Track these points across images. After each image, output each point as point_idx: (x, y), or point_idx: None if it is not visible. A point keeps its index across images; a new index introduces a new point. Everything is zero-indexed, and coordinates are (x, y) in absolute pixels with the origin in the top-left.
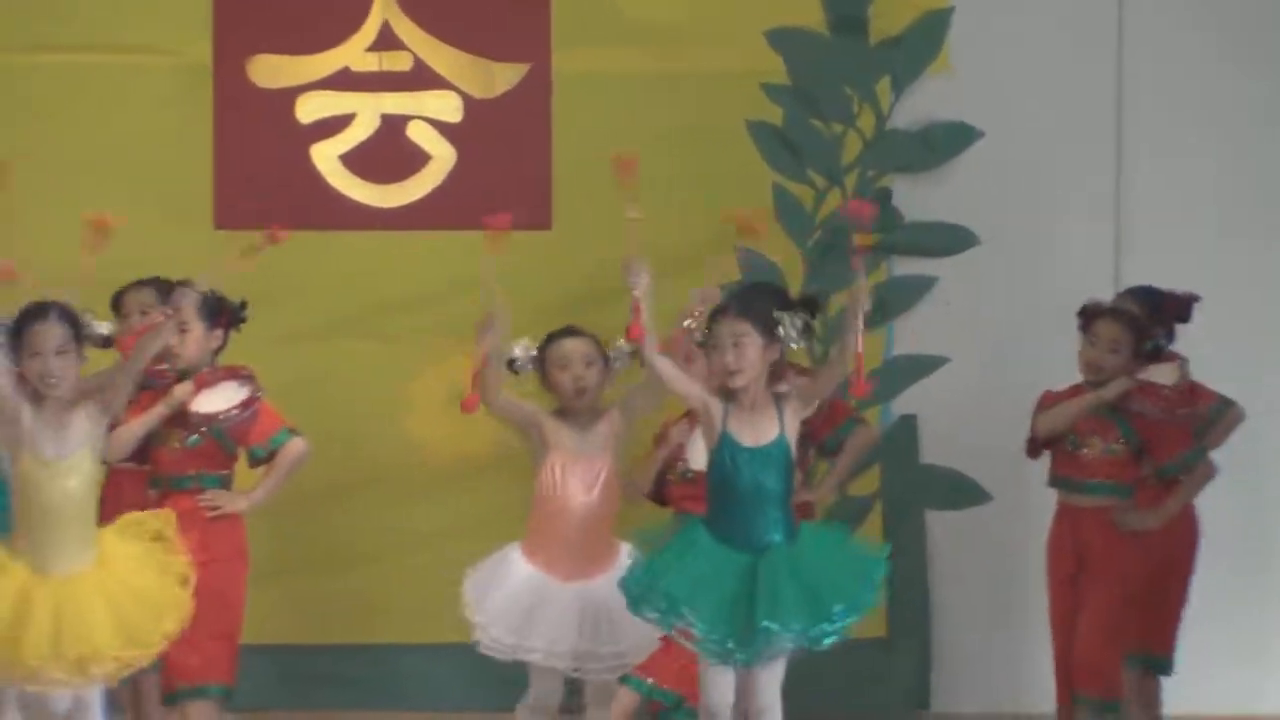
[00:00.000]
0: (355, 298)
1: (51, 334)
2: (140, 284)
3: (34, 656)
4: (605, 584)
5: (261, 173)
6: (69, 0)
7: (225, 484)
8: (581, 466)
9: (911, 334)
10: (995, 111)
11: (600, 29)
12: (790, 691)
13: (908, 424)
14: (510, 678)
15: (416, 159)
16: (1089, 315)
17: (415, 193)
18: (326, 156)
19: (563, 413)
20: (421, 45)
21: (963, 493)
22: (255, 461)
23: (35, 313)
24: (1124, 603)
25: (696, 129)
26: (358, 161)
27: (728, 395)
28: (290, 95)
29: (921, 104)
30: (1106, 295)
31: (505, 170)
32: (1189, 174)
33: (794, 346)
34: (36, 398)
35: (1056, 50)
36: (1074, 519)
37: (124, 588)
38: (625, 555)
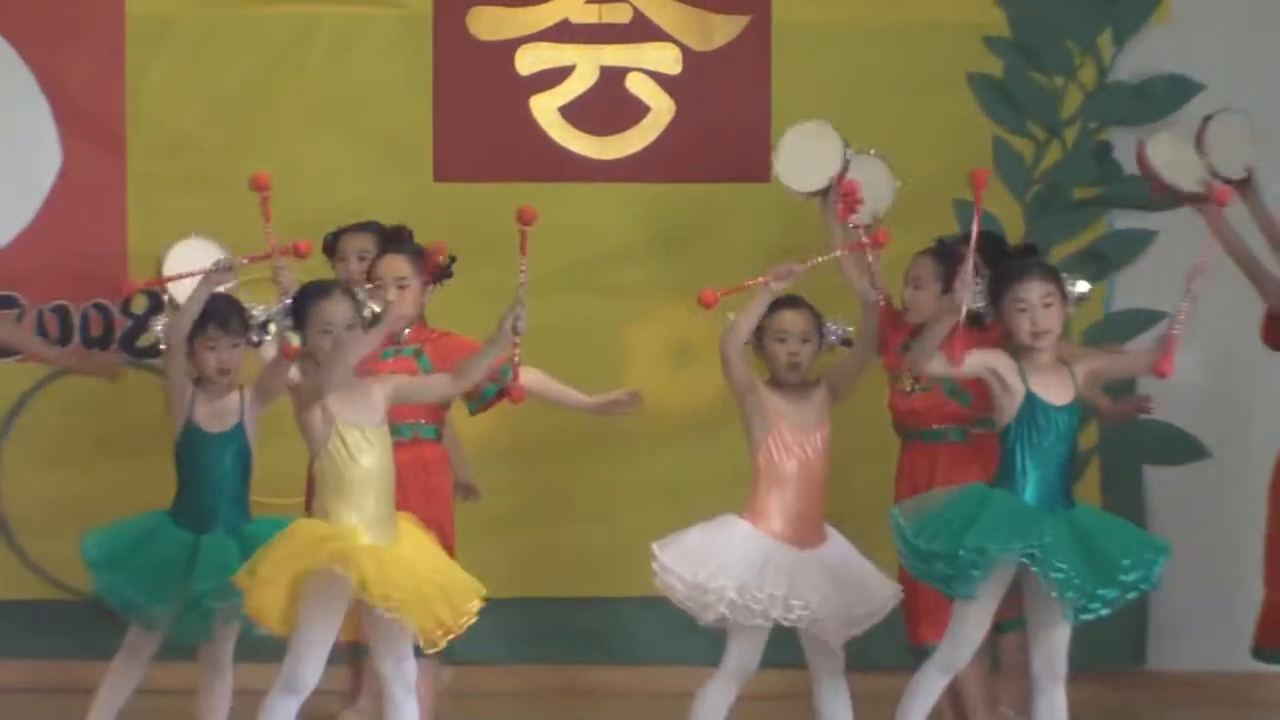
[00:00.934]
0: (573, 251)
1: (340, 309)
2: (359, 228)
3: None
4: (835, 549)
5: (480, 125)
6: None
7: (439, 433)
8: (800, 436)
9: (1132, 287)
10: (1217, 64)
11: None
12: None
13: (1125, 380)
14: (719, 632)
15: (636, 111)
16: None
17: (634, 145)
18: (545, 109)
19: (776, 383)
20: None
21: (1181, 449)
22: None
23: (320, 290)
24: None
25: (916, 80)
26: (576, 113)
27: (1015, 354)
28: (510, 47)
29: (1143, 56)
30: None
31: (724, 122)
32: None
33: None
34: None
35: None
36: None
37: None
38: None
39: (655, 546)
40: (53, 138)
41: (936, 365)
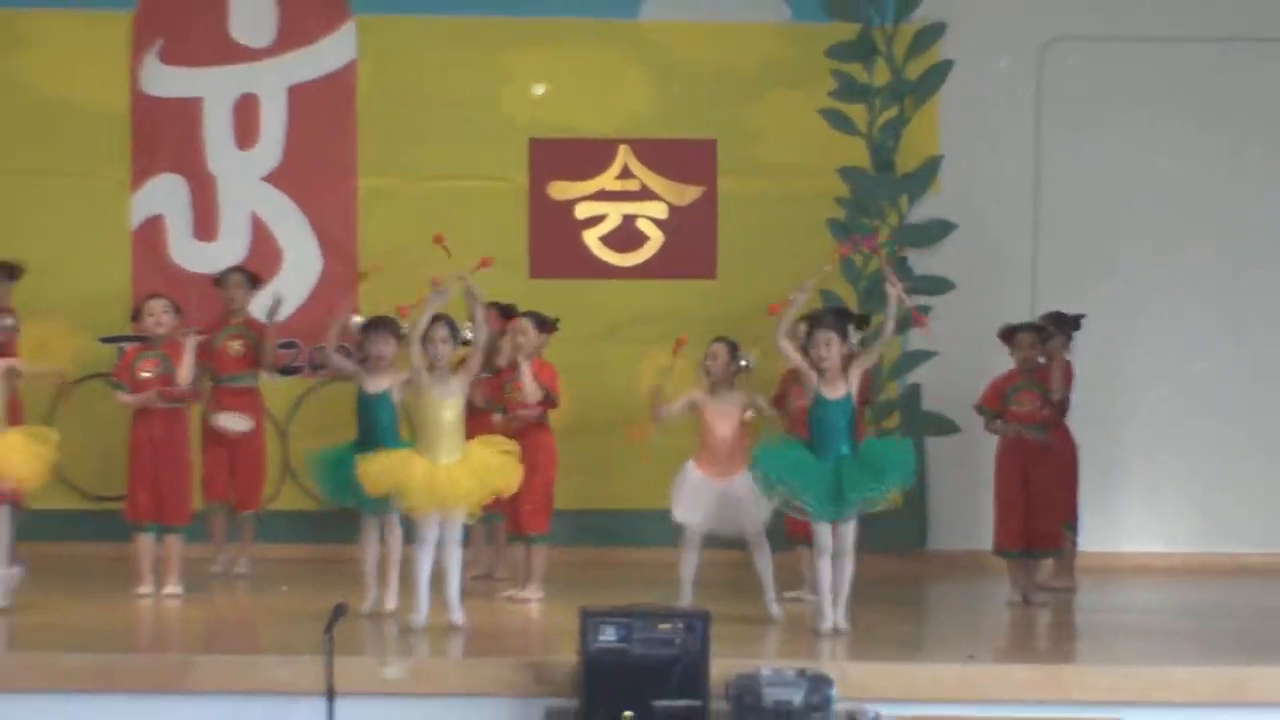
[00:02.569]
0: (607, 317)
1: (440, 332)
2: (492, 304)
3: (434, 501)
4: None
5: (555, 246)
6: (434, 138)
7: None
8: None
9: (916, 337)
10: (969, 214)
11: (739, 165)
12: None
13: (914, 390)
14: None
15: (641, 239)
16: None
17: (641, 258)
18: (592, 238)
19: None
20: (643, 174)
21: (945, 424)
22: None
23: (436, 320)
24: None
25: (795, 224)
26: (609, 241)
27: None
28: (571, 203)
29: (924, 209)
30: None
31: (689, 247)
32: None
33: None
34: (430, 365)
35: None
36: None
37: (477, 465)
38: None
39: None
40: (316, 255)
41: (782, 345)
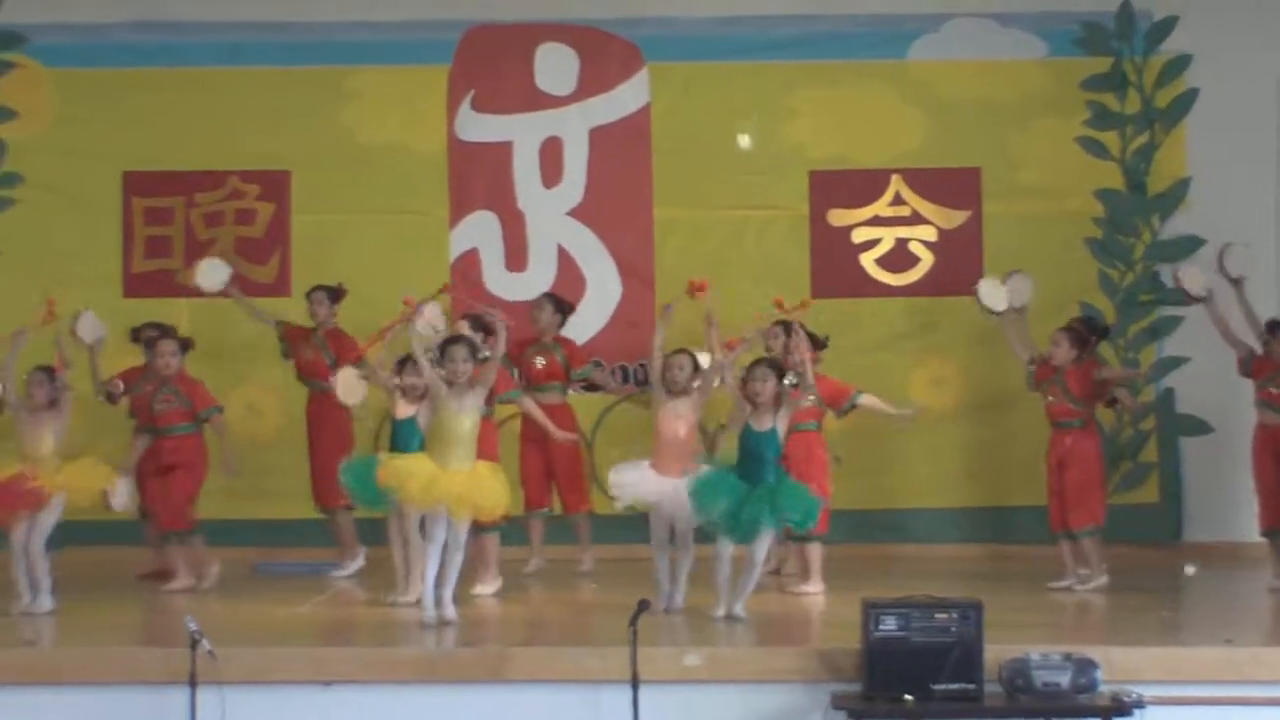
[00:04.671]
0: (883, 329)
1: (460, 353)
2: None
3: (436, 500)
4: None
5: (833, 268)
6: (722, 172)
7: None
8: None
9: (1173, 345)
10: (1218, 230)
11: (1002, 190)
12: None
13: (1168, 394)
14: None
15: (913, 260)
16: None
17: (913, 278)
18: (868, 260)
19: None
20: (913, 200)
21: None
22: None
23: (452, 340)
24: None
25: (1056, 243)
26: (884, 263)
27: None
28: (848, 229)
29: (1175, 226)
30: None
31: (957, 267)
32: None
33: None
34: (450, 382)
35: None
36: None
37: (478, 477)
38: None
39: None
40: (616, 281)
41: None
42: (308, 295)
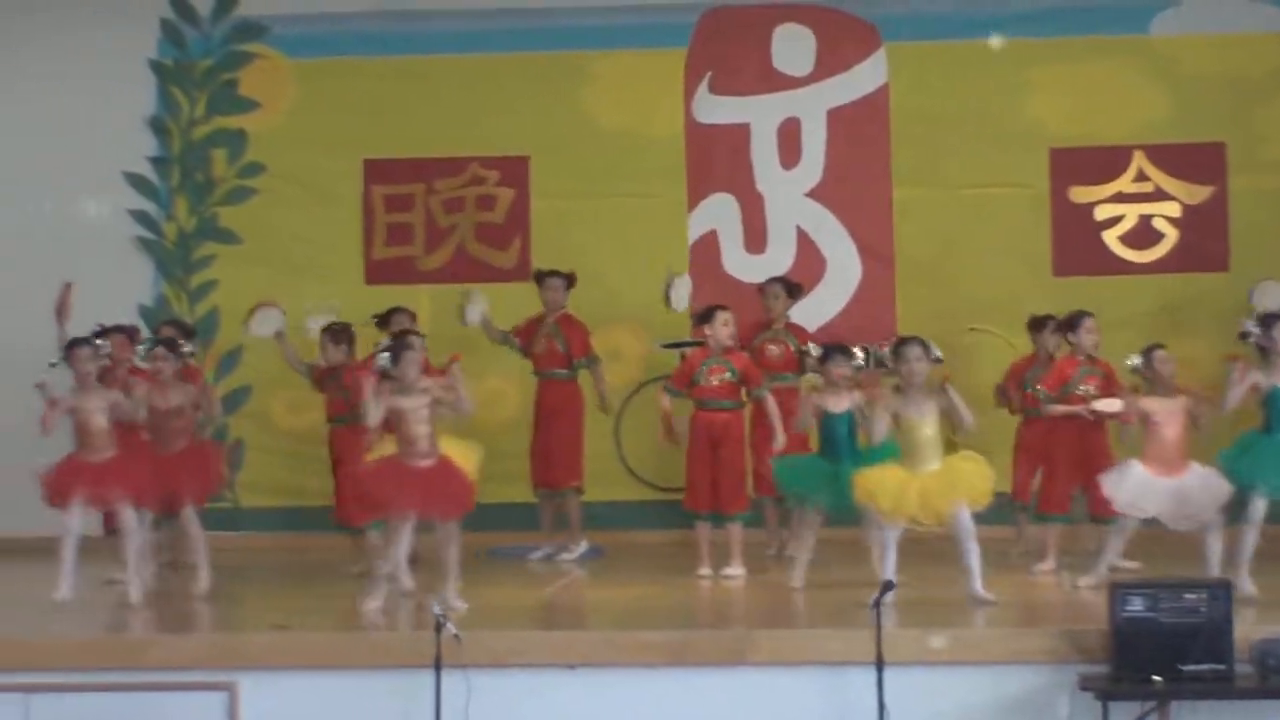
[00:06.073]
0: (1127, 310)
1: (914, 352)
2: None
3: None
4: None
5: (1077, 247)
6: (961, 150)
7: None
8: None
9: None
10: None
11: (1248, 165)
12: None
13: None
14: None
15: (1157, 237)
16: None
17: (1158, 254)
18: (1111, 237)
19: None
20: (1157, 176)
21: None
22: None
23: (904, 340)
24: None
25: None
26: (1127, 239)
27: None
28: (1090, 207)
29: None
30: None
31: (1202, 243)
32: None
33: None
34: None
35: None
36: None
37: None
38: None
39: None
40: (856, 262)
41: None
42: (539, 280)
